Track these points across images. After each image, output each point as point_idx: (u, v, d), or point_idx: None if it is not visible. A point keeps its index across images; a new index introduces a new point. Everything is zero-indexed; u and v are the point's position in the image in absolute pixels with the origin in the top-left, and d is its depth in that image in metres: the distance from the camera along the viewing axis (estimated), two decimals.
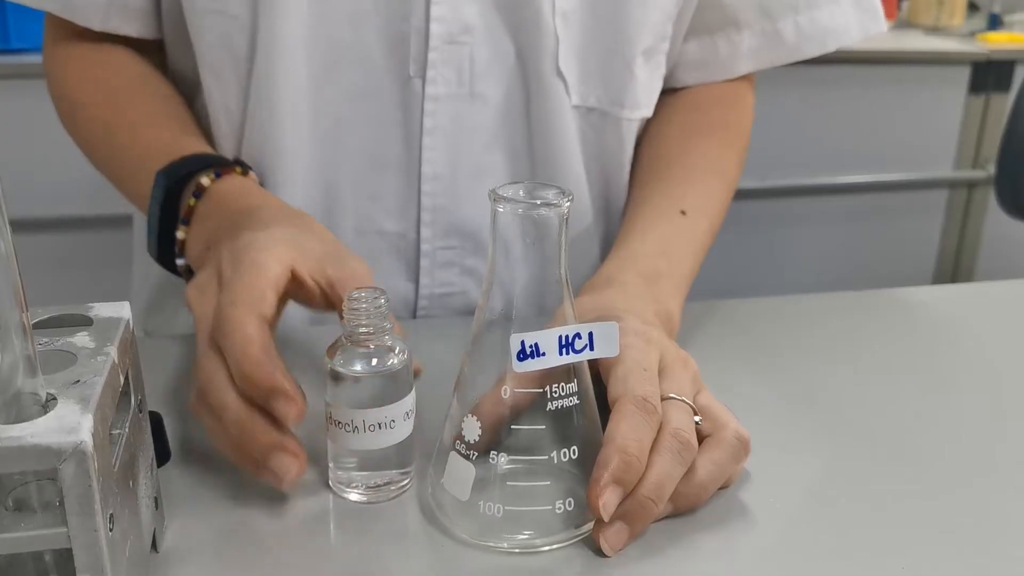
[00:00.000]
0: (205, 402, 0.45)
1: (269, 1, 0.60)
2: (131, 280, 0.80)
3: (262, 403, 0.43)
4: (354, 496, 0.47)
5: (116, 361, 0.36)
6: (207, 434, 0.46)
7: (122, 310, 0.40)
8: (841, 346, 0.65)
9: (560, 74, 0.65)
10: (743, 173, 0.74)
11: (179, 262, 0.58)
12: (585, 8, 0.64)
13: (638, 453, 0.42)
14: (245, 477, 0.48)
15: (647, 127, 0.73)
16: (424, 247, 0.68)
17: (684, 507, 0.46)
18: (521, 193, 0.42)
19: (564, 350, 0.42)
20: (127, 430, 0.38)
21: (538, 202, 0.41)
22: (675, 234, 0.63)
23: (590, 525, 0.44)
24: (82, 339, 0.37)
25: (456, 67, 0.64)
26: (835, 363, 0.63)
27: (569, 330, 0.42)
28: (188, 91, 0.70)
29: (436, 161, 0.66)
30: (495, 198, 0.42)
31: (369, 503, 0.47)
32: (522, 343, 0.41)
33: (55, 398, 0.33)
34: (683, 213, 0.65)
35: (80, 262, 1.57)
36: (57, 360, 0.36)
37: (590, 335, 0.42)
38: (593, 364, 0.47)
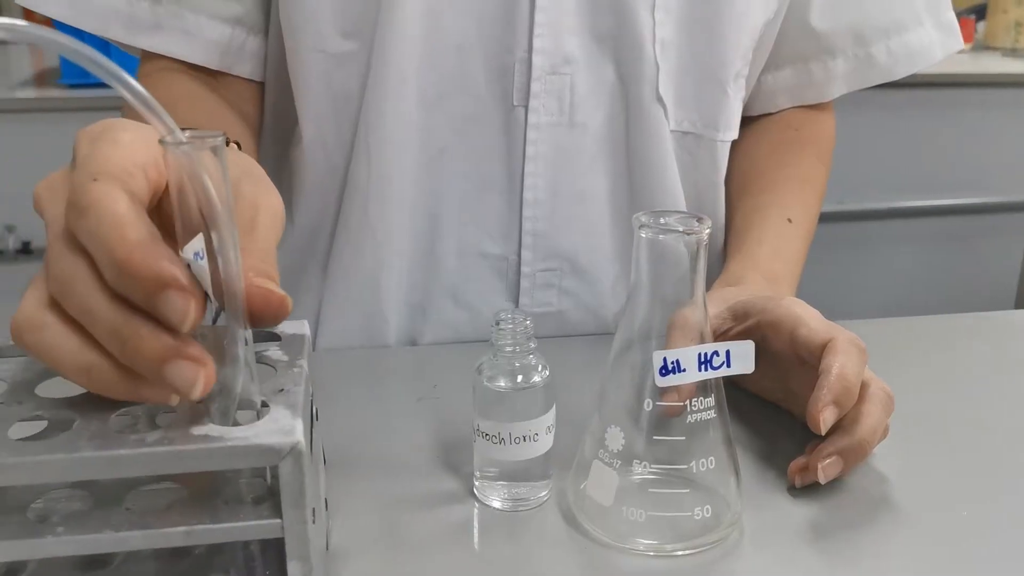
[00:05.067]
0: (54, 314, 0.35)
1: (384, 38, 0.64)
2: None
3: (143, 303, 0.33)
4: (497, 503, 0.50)
5: (308, 372, 0.41)
6: (41, 357, 0.35)
7: (303, 327, 0.44)
8: (928, 369, 0.67)
9: (660, 100, 0.69)
10: None
11: None
12: (683, 35, 0.68)
13: (855, 381, 0.48)
14: (392, 484, 0.52)
15: (739, 143, 0.77)
16: (525, 269, 0.72)
17: (854, 461, 0.51)
18: (663, 220, 0.45)
19: (703, 366, 0.45)
20: (312, 435, 0.42)
21: (680, 228, 0.45)
22: (786, 240, 0.69)
23: (725, 531, 0.47)
24: (276, 352, 0.42)
25: (557, 96, 0.68)
26: (922, 386, 0.64)
27: (708, 348, 0.45)
28: (286, 133, 0.73)
29: (538, 187, 0.70)
30: (639, 225, 0.45)
31: (511, 511, 0.50)
32: (664, 359, 0.44)
33: (267, 404, 0.37)
34: (789, 221, 0.70)
35: None
36: (261, 371, 0.40)
37: (727, 353, 0.45)
38: (755, 332, 0.54)
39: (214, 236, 0.34)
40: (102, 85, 0.33)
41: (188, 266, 0.34)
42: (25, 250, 1.65)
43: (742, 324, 0.56)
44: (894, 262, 1.98)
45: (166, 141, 0.33)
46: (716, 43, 0.69)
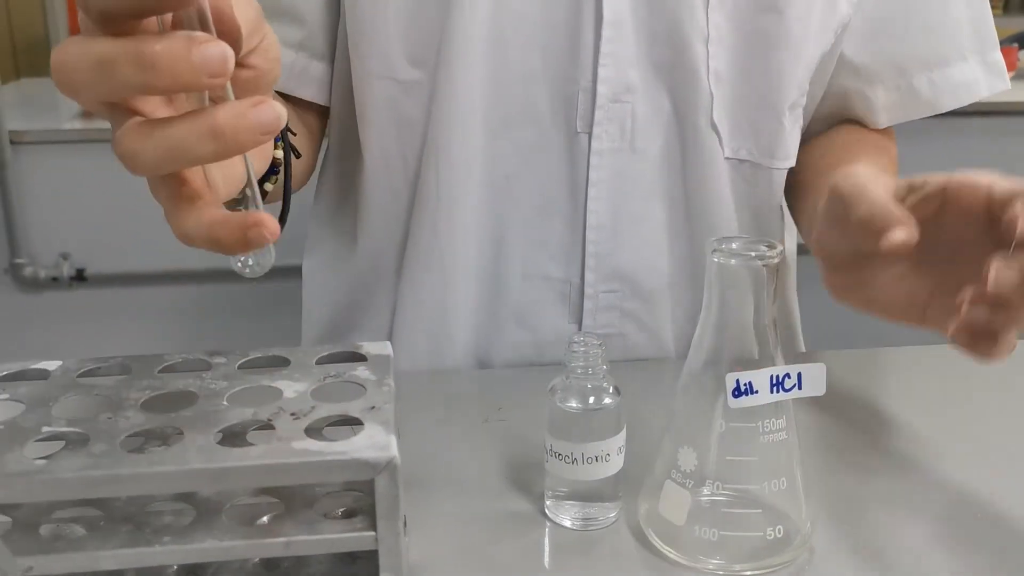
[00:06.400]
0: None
1: (450, 67, 0.66)
2: (301, 324, 0.86)
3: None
4: (568, 523, 0.51)
5: (395, 390, 0.42)
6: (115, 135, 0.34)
7: (386, 348, 0.46)
8: (993, 394, 0.67)
9: (714, 128, 0.70)
10: None
11: None
12: (736, 66, 0.69)
13: None
14: (465, 502, 0.53)
15: (812, 142, 0.77)
16: (588, 291, 0.73)
17: None
18: (735, 245, 0.46)
19: (775, 388, 0.46)
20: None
21: (752, 254, 0.46)
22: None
23: (796, 552, 0.48)
24: (364, 372, 0.43)
25: (619, 124, 0.69)
26: (988, 410, 0.64)
27: (780, 370, 0.46)
28: (351, 155, 0.75)
29: (600, 211, 0.71)
30: (712, 249, 0.46)
31: (582, 530, 0.51)
32: (737, 381, 0.45)
33: (361, 422, 0.39)
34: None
35: (251, 310, 1.69)
36: (351, 389, 0.41)
37: (799, 375, 0.46)
38: (935, 198, 0.47)
39: None
40: None
41: None
42: (80, 277, 1.69)
43: (920, 193, 0.49)
44: None
45: None
46: (771, 75, 0.70)
